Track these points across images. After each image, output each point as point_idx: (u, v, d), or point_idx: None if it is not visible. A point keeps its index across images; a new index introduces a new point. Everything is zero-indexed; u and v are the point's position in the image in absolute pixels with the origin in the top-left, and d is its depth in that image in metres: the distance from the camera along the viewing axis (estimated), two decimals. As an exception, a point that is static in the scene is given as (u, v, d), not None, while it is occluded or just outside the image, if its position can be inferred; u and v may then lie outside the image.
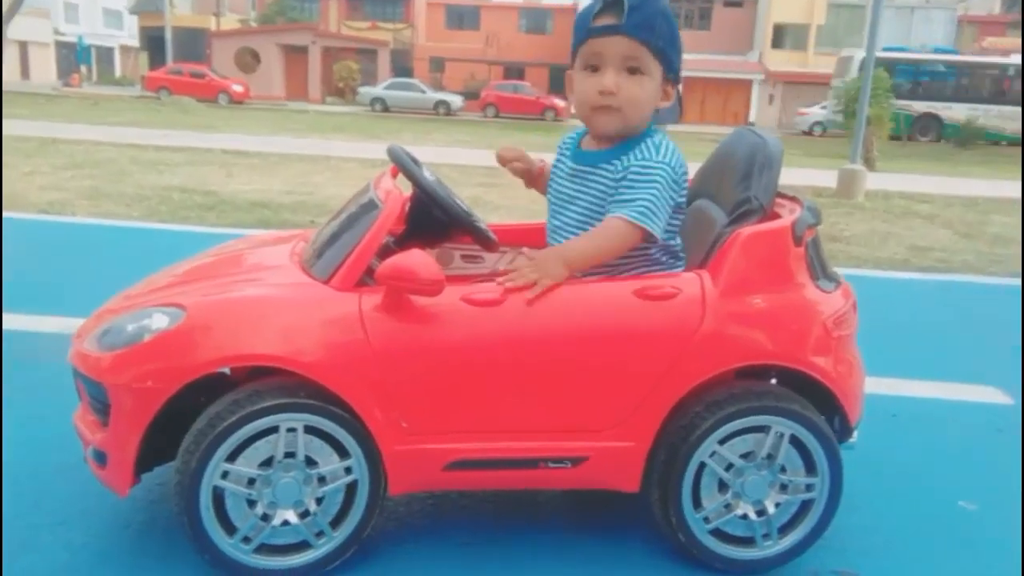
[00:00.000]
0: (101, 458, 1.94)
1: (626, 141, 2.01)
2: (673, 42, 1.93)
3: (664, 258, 2.09)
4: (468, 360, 1.93)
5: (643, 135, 2.01)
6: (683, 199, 2.06)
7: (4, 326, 3.47)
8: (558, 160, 2.18)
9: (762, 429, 1.99)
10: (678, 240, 2.14)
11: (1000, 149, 25.27)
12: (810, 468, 2.03)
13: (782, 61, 38.98)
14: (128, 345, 1.89)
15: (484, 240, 2.33)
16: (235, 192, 8.25)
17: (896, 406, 3.18)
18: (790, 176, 10.49)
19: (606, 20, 1.87)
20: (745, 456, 2.01)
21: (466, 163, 12.27)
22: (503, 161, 2.30)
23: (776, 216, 2.17)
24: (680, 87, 2.06)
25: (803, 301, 2.06)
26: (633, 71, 1.90)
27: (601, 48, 1.90)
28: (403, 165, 2.18)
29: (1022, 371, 3.53)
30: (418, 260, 1.84)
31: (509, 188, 9.64)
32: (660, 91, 1.98)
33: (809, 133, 31.66)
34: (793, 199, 2.27)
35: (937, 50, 29.66)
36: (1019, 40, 34.47)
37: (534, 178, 2.32)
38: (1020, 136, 25.15)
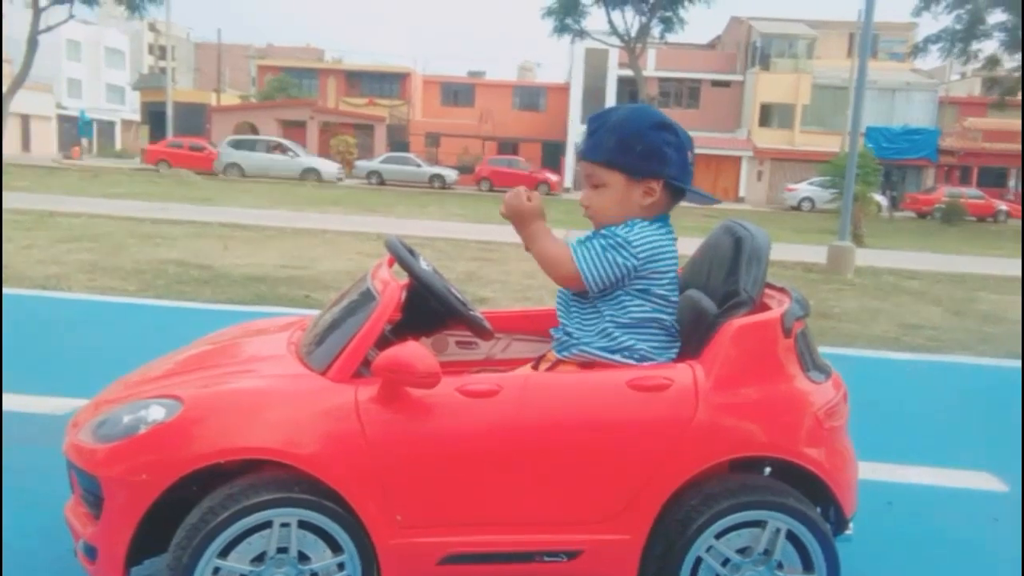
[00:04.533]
0: (92, 553, 1.91)
1: None
2: (626, 149, 2.05)
3: (656, 332, 2.12)
4: (464, 452, 1.94)
5: None
6: (641, 266, 2.05)
7: (-4, 407, 3.45)
8: None
9: (759, 524, 1.99)
10: (667, 319, 2.15)
11: (984, 226, 25.68)
12: (807, 565, 2.02)
13: (769, 139, 39.96)
14: (123, 437, 1.90)
15: (479, 329, 2.36)
16: (231, 266, 8.31)
17: (891, 493, 3.17)
18: (781, 252, 10.63)
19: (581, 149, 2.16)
20: (742, 551, 2.00)
21: (460, 237, 12.41)
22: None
23: (765, 307, 2.21)
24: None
25: (795, 392, 2.09)
26: (596, 186, 2.12)
27: (582, 170, 2.18)
28: (400, 257, 2.23)
29: (1022, 465, 3.51)
30: (414, 353, 1.87)
31: (503, 263, 9.74)
32: (637, 192, 2.08)
33: (797, 208, 32.22)
34: (781, 290, 2.32)
35: (919, 130, 30.32)
36: (999, 121, 35.49)
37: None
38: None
